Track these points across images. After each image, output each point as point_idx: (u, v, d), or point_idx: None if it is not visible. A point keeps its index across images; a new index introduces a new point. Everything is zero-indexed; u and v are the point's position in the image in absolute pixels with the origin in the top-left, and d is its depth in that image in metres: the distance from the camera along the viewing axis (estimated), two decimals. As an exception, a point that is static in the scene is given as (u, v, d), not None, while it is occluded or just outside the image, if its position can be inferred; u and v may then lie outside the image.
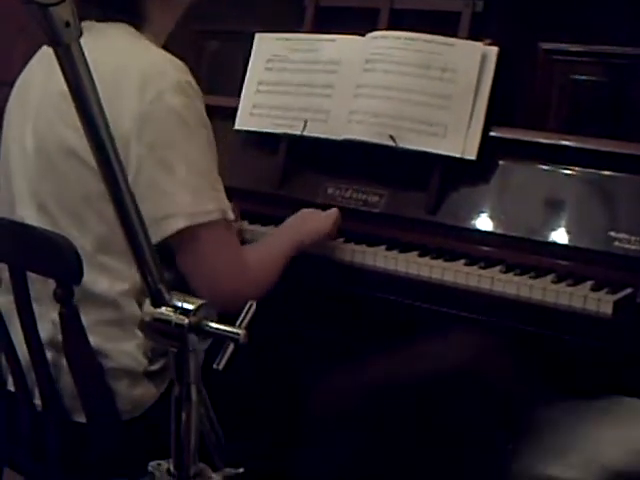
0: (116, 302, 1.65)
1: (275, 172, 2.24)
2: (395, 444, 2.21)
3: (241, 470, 1.05)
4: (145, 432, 1.68)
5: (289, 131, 2.21)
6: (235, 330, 0.95)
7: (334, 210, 2.03)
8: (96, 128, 0.87)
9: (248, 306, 1.00)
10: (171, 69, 1.61)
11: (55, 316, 1.60)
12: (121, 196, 0.91)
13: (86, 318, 1.62)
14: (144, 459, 1.59)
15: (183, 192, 1.59)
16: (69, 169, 1.61)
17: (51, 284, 1.57)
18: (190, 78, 1.63)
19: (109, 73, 1.57)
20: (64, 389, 1.68)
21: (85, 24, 1.64)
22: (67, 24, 0.81)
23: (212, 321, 0.96)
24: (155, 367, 1.70)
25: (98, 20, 1.68)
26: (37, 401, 1.70)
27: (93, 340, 1.63)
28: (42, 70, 1.74)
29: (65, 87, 0.88)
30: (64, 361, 1.65)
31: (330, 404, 2.23)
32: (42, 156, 1.66)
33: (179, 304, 0.96)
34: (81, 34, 0.83)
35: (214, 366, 0.96)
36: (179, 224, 1.59)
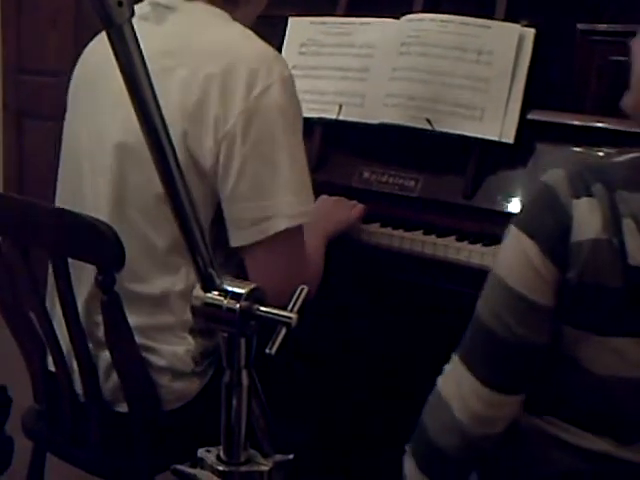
0: (171, 304, 1.65)
1: (310, 157, 2.19)
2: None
3: (291, 457, 1.04)
4: (188, 422, 1.68)
5: (324, 115, 2.20)
6: (287, 314, 0.94)
7: (361, 207, 2.02)
8: (147, 110, 0.86)
9: (299, 290, 0.98)
10: (276, 63, 1.61)
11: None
12: (172, 175, 0.90)
13: (138, 320, 1.62)
14: (186, 448, 1.60)
15: (286, 192, 1.58)
16: (151, 165, 1.58)
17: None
18: (290, 72, 1.64)
19: (218, 72, 1.56)
20: (106, 379, 1.69)
21: (171, 1, 1.64)
22: (120, 4, 0.80)
23: (263, 305, 0.95)
24: (200, 368, 1.71)
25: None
26: (79, 390, 1.70)
27: (143, 340, 1.64)
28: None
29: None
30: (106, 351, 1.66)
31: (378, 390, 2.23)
32: (124, 148, 1.63)
33: (230, 288, 0.95)
34: (133, 13, 0.82)
35: (266, 351, 0.94)
36: (281, 225, 1.58)
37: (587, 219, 1.25)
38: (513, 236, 1.32)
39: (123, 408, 1.69)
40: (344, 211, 1.99)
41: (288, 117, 1.60)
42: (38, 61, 3.94)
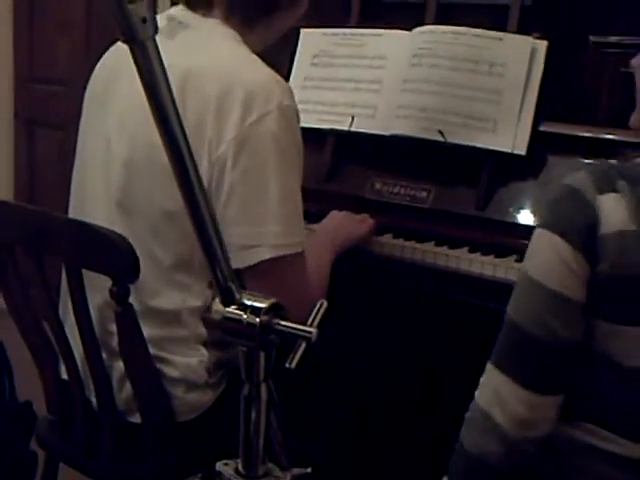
0: (183, 319, 1.65)
1: (322, 168, 2.23)
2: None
3: (309, 470, 1.04)
4: (201, 434, 1.68)
5: (336, 127, 2.20)
6: (307, 329, 0.94)
7: (371, 222, 2.02)
8: (169, 125, 0.86)
9: (319, 305, 0.99)
10: (277, 91, 1.57)
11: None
12: (193, 190, 0.90)
13: (151, 332, 1.63)
14: (199, 460, 1.60)
15: (273, 222, 1.56)
16: (157, 180, 1.58)
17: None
18: (293, 101, 1.60)
19: (214, 94, 1.55)
20: (119, 389, 1.69)
21: (187, 17, 1.65)
22: (144, 20, 0.80)
23: (283, 320, 0.95)
24: (213, 380, 1.71)
25: (204, 15, 1.67)
26: (92, 400, 1.71)
27: (157, 351, 1.65)
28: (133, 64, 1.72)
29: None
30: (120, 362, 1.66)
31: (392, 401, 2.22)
32: (131, 163, 1.63)
33: (249, 303, 0.95)
34: (157, 30, 0.82)
35: (286, 365, 0.95)
36: (265, 255, 1.56)
37: (613, 212, 1.28)
38: (543, 238, 1.33)
39: (136, 419, 1.69)
40: (353, 226, 1.99)
41: (283, 147, 1.57)
42: (49, 70, 3.95)
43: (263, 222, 1.57)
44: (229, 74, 1.58)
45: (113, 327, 1.62)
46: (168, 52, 0.85)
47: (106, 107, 1.71)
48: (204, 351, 1.67)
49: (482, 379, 1.37)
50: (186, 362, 1.66)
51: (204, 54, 1.62)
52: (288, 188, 1.59)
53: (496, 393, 1.33)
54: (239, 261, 1.55)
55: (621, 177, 1.30)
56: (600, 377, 1.33)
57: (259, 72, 1.61)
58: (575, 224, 1.30)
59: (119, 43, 1.75)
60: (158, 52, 0.83)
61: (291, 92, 1.62)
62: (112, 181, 1.66)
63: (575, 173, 1.35)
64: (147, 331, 1.61)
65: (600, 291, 1.30)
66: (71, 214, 1.79)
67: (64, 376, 1.76)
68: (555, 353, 1.32)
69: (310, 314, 0.97)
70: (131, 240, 1.54)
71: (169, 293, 1.63)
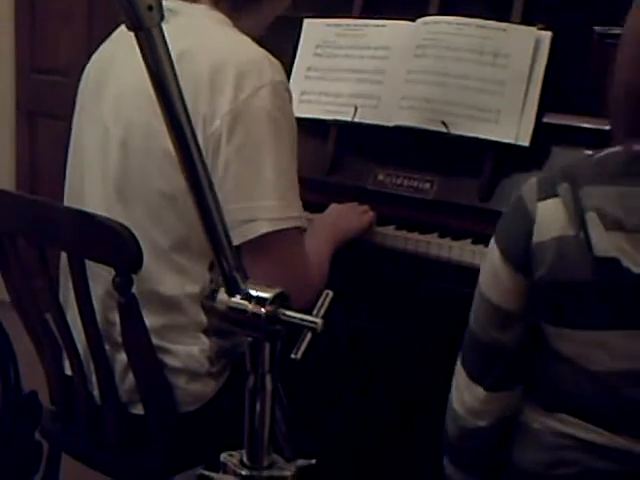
0: (183, 306, 1.65)
1: (325, 159, 2.22)
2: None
3: (313, 461, 1.03)
4: (204, 424, 1.68)
5: (339, 117, 2.19)
6: (312, 319, 0.93)
7: (371, 214, 2.02)
8: (175, 112, 0.85)
9: (324, 295, 0.98)
10: (268, 67, 1.60)
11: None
12: (198, 178, 0.89)
13: (151, 320, 1.62)
14: (202, 450, 1.59)
15: (270, 196, 1.57)
16: (153, 163, 1.59)
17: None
18: (284, 78, 1.63)
19: (206, 71, 1.56)
20: (122, 381, 1.69)
21: (176, 5, 1.65)
22: (150, 8, 0.79)
23: (288, 310, 0.94)
24: (215, 369, 1.70)
25: (193, 2, 1.68)
26: (95, 392, 1.70)
27: (158, 341, 1.64)
28: (128, 52, 1.72)
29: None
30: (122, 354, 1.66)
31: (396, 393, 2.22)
32: (127, 148, 1.64)
33: (254, 293, 0.95)
34: (163, 17, 0.81)
35: (292, 356, 0.94)
36: (262, 229, 1.57)
37: (552, 218, 1.30)
38: (490, 248, 1.40)
39: (139, 410, 1.69)
40: (353, 218, 1.99)
41: (277, 122, 1.58)
42: (51, 60, 3.94)
43: (260, 197, 1.57)
44: (220, 53, 1.59)
45: (115, 317, 1.62)
46: None
47: (101, 96, 1.72)
48: (205, 339, 1.67)
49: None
50: (187, 351, 1.66)
51: (196, 36, 1.64)
52: (283, 163, 1.60)
53: (456, 381, 1.46)
54: (237, 236, 1.54)
55: (565, 179, 1.30)
56: (570, 377, 1.36)
57: (250, 50, 1.62)
58: (511, 236, 1.35)
59: (115, 34, 1.76)
60: (164, 39, 0.83)
61: (282, 69, 1.63)
62: (109, 168, 1.67)
63: (529, 180, 1.38)
64: (148, 319, 1.61)
65: (541, 296, 1.33)
66: (67, 204, 1.78)
67: (67, 372, 1.76)
68: (497, 355, 1.40)
69: (310, 298, 0.97)
70: (130, 224, 1.55)
71: (168, 277, 1.63)
